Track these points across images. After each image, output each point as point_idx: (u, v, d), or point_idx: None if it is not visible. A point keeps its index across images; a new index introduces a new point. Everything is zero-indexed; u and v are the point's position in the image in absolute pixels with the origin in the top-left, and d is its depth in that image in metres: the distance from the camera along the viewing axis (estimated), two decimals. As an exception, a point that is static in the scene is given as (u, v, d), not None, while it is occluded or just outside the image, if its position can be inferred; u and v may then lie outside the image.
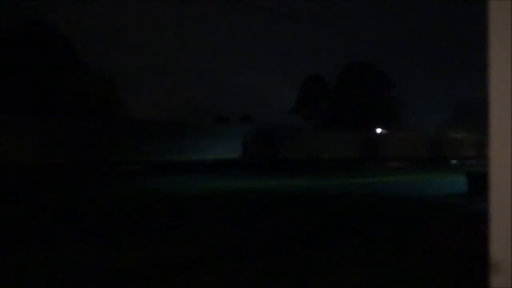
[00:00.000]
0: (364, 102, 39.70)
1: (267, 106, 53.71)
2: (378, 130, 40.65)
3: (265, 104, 57.26)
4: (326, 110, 41.86)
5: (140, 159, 20.61)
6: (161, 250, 5.16)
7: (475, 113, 42.01)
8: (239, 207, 9.13)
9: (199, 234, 6.04)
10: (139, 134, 21.03)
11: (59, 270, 4.31)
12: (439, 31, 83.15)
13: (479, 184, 10.24)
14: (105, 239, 5.75)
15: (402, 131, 38.98)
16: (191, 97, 57.68)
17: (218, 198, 10.70)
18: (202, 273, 4.22)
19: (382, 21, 70.71)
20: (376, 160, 29.48)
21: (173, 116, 50.69)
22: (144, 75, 53.42)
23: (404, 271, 4.27)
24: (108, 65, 47.26)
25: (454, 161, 34.54)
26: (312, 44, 76.99)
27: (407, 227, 6.72)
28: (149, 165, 20.28)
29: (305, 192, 12.25)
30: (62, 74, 25.26)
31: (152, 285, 3.89)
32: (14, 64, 23.48)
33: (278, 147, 25.55)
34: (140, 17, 65.97)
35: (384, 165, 28.31)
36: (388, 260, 4.67)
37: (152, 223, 7.14)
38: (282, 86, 62.26)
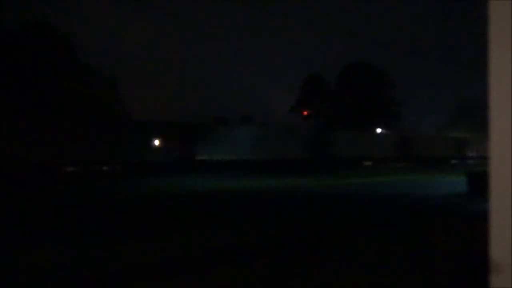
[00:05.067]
0: (364, 102, 39.64)
1: (267, 106, 53.70)
2: (378, 130, 40.57)
3: (265, 104, 57.27)
4: (326, 110, 41.80)
5: (139, 160, 20.57)
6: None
7: (471, 113, 41.98)
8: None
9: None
10: (139, 134, 20.99)
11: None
12: (439, 31, 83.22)
13: (479, 184, 10.23)
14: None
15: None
16: (191, 97, 57.73)
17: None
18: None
19: (382, 21, 70.78)
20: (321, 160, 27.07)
21: (173, 116, 50.77)
22: (144, 75, 53.41)
23: (404, 271, 4.27)
24: (108, 65, 47.26)
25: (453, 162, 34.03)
26: (312, 44, 77.00)
27: (406, 227, 6.71)
28: (147, 165, 20.21)
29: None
30: (62, 74, 25.22)
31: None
32: (14, 64, 23.45)
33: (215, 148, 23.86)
34: (141, 18, 66.04)
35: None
36: (388, 259, 4.66)
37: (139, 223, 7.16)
38: (282, 86, 62.17)
